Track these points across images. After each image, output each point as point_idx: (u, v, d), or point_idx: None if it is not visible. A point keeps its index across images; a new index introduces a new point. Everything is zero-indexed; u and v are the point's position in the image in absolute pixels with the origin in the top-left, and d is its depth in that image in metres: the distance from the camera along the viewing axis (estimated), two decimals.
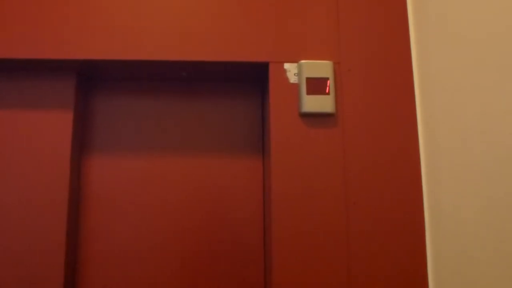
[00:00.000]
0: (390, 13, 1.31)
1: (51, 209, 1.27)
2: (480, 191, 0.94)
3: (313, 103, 1.22)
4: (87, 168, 1.42)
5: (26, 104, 1.33)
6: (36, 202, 1.28)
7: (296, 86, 1.24)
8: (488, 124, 0.91)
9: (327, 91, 1.23)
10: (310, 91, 1.22)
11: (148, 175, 1.42)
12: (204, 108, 1.47)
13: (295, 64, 1.25)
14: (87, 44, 1.26)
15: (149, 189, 1.41)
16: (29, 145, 1.31)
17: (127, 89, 1.47)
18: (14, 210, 1.27)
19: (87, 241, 1.38)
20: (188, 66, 1.31)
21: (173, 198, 1.40)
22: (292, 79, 1.24)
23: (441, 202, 1.12)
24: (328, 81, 1.23)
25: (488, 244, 0.91)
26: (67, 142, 1.31)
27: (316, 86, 1.22)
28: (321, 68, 1.24)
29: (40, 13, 1.28)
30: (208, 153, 1.43)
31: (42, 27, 1.27)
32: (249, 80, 1.46)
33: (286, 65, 1.25)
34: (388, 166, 1.23)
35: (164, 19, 1.28)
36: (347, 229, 1.20)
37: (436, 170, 1.15)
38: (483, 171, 0.93)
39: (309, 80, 1.22)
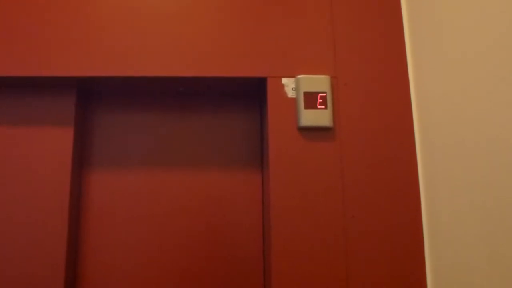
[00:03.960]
0: (385, 27, 1.33)
1: (52, 223, 1.28)
2: (477, 201, 0.96)
3: (311, 117, 1.23)
4: (87, 182, 1.43)
5: (27, 120, 1.35)
6: (36, 216, 1.28)
7: (294, 101, 1.26)
8: (485, 134, 0.93)
9: (322, 105, 1.24)
10: (307, 105, 1.24)
11: (148, 188, 1.42)
12: (202, 123, 1.48)
13: (292, 79, 1.27)
14: (86, 61, 1.28)
15: (149, 202, 1.42)
16: (30, 160, 1.32)
17: (126, 104, 1.49)
18: (15, 224, 1.28)
19: (88, 254, 1.38)
20: (188, 82, 1.33)
21: (172, 211, 1.41)
22: (290, 93, 1.26)
23: (439, 213, 1.13)
24: (321, 95, 1.25)
25: (485, 250, 0.92)
26: (67, 157, 1.32)
27: (313, 100, 1.24)
28: (318, 82, 1.26)
29: (40, 32, 1.30)
30: (207, 167, 1.44)
31: (43, 45, 1.29)
32: (248, 95, 1.48)
33: (284, 80, 1.27)
34: (385, 178, 1.25)
35: (163, 36, 1.30)
36: (345, 242, 1.21)
37: (433, 182, 1.16)
38: (480, 182, 0.94)
39: (307, 95, 1.24)
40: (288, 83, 1.27)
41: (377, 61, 1.31)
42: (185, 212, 1.41)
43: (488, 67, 0.91)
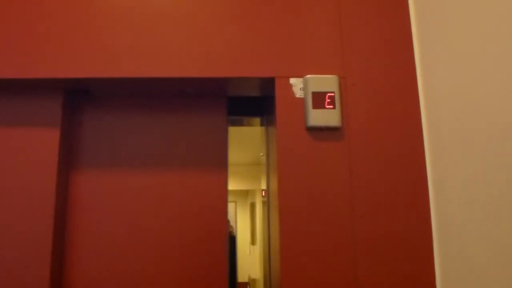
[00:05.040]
0: (393, 26, 1.33)
1: (36, 225, 1.30)
2: (487, 202, 0.95)
3: (319, 117, 1.23)
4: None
5: (13, 122, 1.36)
6: (21, 218, 1.30)
7: (302, 101, 1.26)
8: (495, 133, 0.93)
9: (330, 105, 1.24)
10: (316, 105, 1.24)
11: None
12: (183, 122, 1.49)
13: (300, 79, 1.27)
14: (73, 62, 1.29)
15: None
16: (15, 162, 1.33)
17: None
18: None
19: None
20: (192, 83, 1.33)
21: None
22: (298, 93, 1.26)
23: (448, 213, 1.13)
24: (329, 95, 1.25)
25: (496, 252, 0.92)
26: (53, 157, 1.33)
27: (321, 100, 1.24)
28: (327, 82, 1.26)
29: (26, 33, 1.31)
30: (182, 168, 1.44)
31: (29, 47, 1.30)
32: (215, 95, 1.48)
33: (292, 80, 1.27)
34: (394, 178, 1.24)
35: (163, 36, 1.31)
36: (353, 243, 1.20)
37: (443, 182, 1.16)
38: (491, 182, 0.94)
39: (315, 94, 1.24)
40: (296, 83, 1.27)
41: (385, 60, 1.31)
42: (165, 211, 1.41)
43: (498, 65, 0.91)
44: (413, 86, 1.30)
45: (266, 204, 1.45)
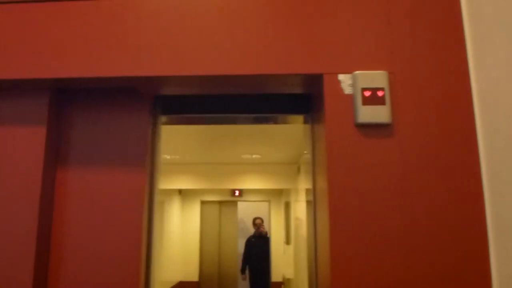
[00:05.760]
0: (444, 19, 1.29)
1: (20, 223, 1.34)
2: None
3: (369, 113, 1.21)
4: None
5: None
6: (4, 215, 1.34)
7: (351, 97, 1.24)
8: None
9: (380, 101, 1.22)
10: (365, 102, 1.21)
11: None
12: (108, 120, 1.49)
13: (349, 75, 1.25)
14: (60, 62, 1.32)
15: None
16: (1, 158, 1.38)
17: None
18: None
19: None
20: (239, 80, 1.33)
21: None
22: (347, 90, 1.24)
23: (505, 214, 1.08)
24: (379, 91, 1.22)
25: None
26: (39, 155, 1.36)
27: (371, 96, 1.22)
28: (376, 78, 1.23)
29: (12, 34, 1.35)
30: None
31: (15, 47, 1.34)
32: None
33: (341, 76, 1.25)
34: (447, 176, 1.20)
35: (203, 33, 1.31)
36: (405, 243, 1.17)
37: (498, 180, 1.12)
38: None
39: (364, 91, 1.22)
40: (344, 79, 1.25)
41: (436, 55, 1.27)
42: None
43: None
44: (465, 80, 1.25)
45: (312, 203, 1.44)
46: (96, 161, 1.44)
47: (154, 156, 1.52)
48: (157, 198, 1.52)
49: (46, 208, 1.39)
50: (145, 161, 1.44)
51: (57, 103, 1.45)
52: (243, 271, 6.49)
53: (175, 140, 3.70)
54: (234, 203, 7.64)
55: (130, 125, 1.47)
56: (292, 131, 3.31)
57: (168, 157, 4.50)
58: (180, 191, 7.41)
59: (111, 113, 1.48)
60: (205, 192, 7.62)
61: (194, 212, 7.76)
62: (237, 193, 7.48)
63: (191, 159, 4.82)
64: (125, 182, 1.43)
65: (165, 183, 5.29)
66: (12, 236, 1.34)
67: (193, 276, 7.52)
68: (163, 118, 1.58)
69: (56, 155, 1.45)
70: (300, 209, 4.29)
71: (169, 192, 6.62)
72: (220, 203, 7.97)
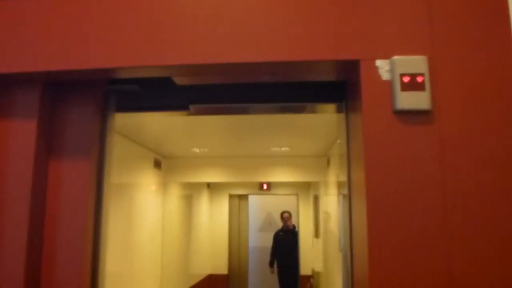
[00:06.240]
0: (486, 2, 1.23)
1: (12, 216, 1.34)
2: None
3: (408, 100, 1.17)
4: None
5: None
6: None
7: (389, 83, 1.20)
8: None
9: (420, 87, 1.17)
10: (404, 88, 1.17)
11: None
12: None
13: (387, 61, 1.21)
14: (50, 55, 1.31)
15: None
16: None
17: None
18: None
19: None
20: (275, 67, 1.31)
21: None
22: (385, 76, 1.20)
23: None
24: (419, 77, 1.18)
25: None
26: (30, 147, 1.36)
27: (410, 82, 1.17)
28: (415, 63, 1.19)
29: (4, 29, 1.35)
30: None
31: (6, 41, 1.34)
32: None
33: (378, 62, 1.21)
34: (488, 165, 1.15)
35: (234, 21, 1.29)
36: (446, 234, 1.13)
37: None
38: None
39: (403, 76, 1.18)
40: (382, 65, 1.21)
41: (478, 39, 1.21)
42: None
43: None
44: (508, 65, 1.19)
45: (347, 196, 1.40)
46: (57, 153, 1.46)
47: (104, 149, 1.52)
48: (108, 190, 1.52)
49: (38, 200, 1.39)
50: (90, 153, 1.44)
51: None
52: (271, 264, 6.49)
53: (205, 133, 3.71)
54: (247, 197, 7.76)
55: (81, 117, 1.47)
56: (321, 122, 3.25)
57: (198, 150, 4.51)
58: (208, 185, 7.44)
59: (76, 107, 1.48)
60: (233, 185, 7.62)
61: (222, 206, 7.79)
62: (265, 186, 7.45)
63: (220, 152, 4.83)
64: (71, 174, 1.44)
65: (193, 177, 5.32)
66: (3, 227, 1.34)
67: (223, 269, 7.55)
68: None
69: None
70: (329, 203, 4.24)
71: (198, 186, 6.66)
72: (239, 197, 8.06)
